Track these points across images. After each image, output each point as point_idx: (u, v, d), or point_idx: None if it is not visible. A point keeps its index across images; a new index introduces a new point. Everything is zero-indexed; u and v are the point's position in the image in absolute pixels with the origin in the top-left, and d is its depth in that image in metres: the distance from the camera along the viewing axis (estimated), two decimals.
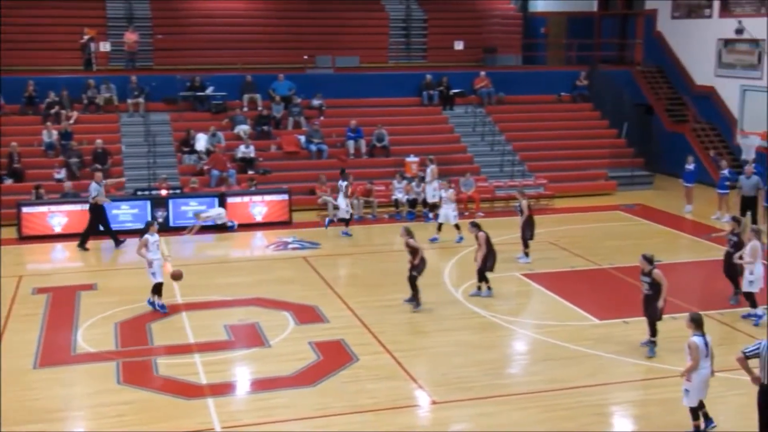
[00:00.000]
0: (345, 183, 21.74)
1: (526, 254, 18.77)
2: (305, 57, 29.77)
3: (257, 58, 30.12)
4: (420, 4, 33.88)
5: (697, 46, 29.87)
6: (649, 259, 13.28)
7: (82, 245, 20.20)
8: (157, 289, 15.49)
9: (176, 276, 15.69)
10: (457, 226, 20.52)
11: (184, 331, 14.58)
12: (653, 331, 13.43)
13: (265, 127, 26.75)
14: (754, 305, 15.05)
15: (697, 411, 10.64)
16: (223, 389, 12.29)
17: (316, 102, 28.12)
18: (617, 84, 30.50)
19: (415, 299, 15.65)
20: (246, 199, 22.73)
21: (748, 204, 21.04)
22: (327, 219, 21.85)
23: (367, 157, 26.43)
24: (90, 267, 19.24)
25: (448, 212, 20.66)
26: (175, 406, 11.70)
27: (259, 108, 27.47)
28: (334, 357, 13.38)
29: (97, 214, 20.42)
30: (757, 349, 9.41)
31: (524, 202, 18.82)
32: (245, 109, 27.57)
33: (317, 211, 23.44)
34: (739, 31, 25.39)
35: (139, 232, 16.82)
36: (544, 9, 35.83)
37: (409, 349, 13.85)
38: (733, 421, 11.17)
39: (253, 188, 23.35)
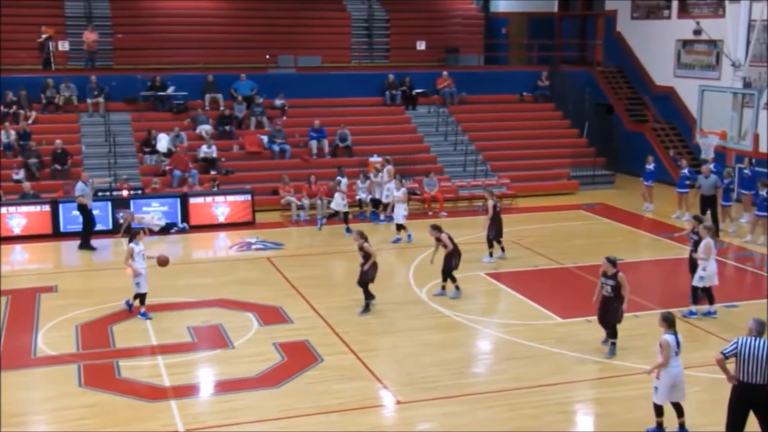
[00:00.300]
0: (344, 179, 22.48)
1: (490, 254, 18.86)
2: (267, 57, 29.65)
3: (219, 57, 29.93)
4: (382, 4, 33.90)
5: (656, 46, 30.25)
6: (613, 262, 13.26)
7: (85, 246, 20.14)
8: (141, 298, 15.17)
9: (163, 262, 15.46)
10: (402, 226, 20.64)
11: (147, 333, 14.43)
12: (614, 333, 13.49)
13: (227, 127, 26.59)
14: (695, 300, 15.31)
15: (662, 408, 10.70)
16: (186, 391, 12.19)
17: (278, 102, 28.01)
18: (578, 84, 30.79)
19: (366, 304, 15.50)
20: (208, 199, 22.56)
21: (708, 203, 21.32)
22: (319, 219, 22.01)
23: (330, 157, 26.38)
24: (50, 269, 18.98)
25: (399, 212, 20.75)
26: (137, 408, 11.59)
27: (221, 108, 27.30)
28: (299, 358, 13.33)
29: (82, 213, 20.26)
30: (735, 348, 9.47)
31: (490, 203, 18.86)
32: (207, 108, 27.38)
33: (280, 212, 23.37)
34: (697, 32, 25.71)
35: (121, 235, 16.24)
36: (506, 9, 36.05)
37: (374, 349, 13.85)
38: (692, 418, 11.31)
39: (216, 189, 23.20)
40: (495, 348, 14.21)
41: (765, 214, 20.47)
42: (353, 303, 15.83)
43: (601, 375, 12.73)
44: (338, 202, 21.77)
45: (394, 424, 11.43)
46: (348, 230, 21.35)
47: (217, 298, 16.25)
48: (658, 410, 10.73)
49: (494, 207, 18.81)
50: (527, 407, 11.65)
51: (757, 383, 9.25)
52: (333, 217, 21.84)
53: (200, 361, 13.39)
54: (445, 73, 30.20)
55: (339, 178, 22.58)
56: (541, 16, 35.72)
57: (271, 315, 15.33)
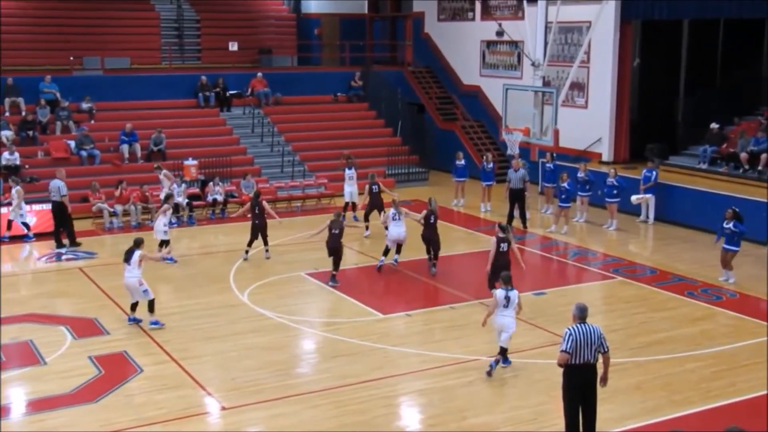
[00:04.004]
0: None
1: (366, 228, 21.61)
2: (71, 58, 28.39)
3: (19, 59, 28.36)
4: (192, 4, 33.25)
5: (462, 47, 31.42)
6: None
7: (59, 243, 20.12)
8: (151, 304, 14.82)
9: None
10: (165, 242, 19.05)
11: None
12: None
13: (31, 133, 25.26)
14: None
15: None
16: None
17: (85, 105, 26.88)
18: (390, 84, 31.47)
19: None
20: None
21: (516, 196, 22.33)
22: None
23: (144, 161, 25.60)
24: None
25: (159, 226, 19.04)
26: None
27: (23, 112, 25.88)
28: (117, 370, 12.89)
29: (57, 212, 19.82)
30: (572, 340, 9.84)
31: (368, 187, 21.65)
32: (7, 114, 25.88)
33: (92, 219, 22.43)
34: (500, 33, 26.84)
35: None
36: (317, 10, 36.24)
37: (197, 356, 13.59)
38: (524, 400, 11.87)
39: None
40: (319, 347, 14.29)
41: (567, 205, 21.75)
42: (173, 310, 15.50)
43: (423, 367, 13.09)
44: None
45: (220, 431, 11.29)
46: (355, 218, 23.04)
47: (26, 313, 15.40)
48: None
49: (372, 188, 21.70)
50: (353, 403, 11.81)
51: (588, 362, 9.85)
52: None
53: (9, 381, 12.64)
54: (259, 74, 30.03)
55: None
56: (351, 17, 36.20)
57: (85, 327, 14.72)
